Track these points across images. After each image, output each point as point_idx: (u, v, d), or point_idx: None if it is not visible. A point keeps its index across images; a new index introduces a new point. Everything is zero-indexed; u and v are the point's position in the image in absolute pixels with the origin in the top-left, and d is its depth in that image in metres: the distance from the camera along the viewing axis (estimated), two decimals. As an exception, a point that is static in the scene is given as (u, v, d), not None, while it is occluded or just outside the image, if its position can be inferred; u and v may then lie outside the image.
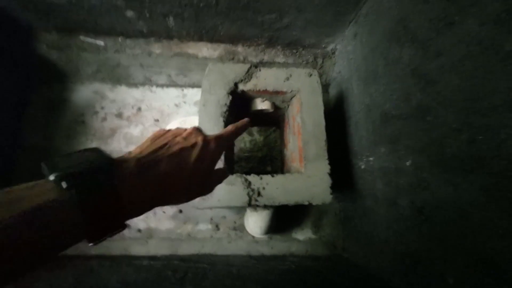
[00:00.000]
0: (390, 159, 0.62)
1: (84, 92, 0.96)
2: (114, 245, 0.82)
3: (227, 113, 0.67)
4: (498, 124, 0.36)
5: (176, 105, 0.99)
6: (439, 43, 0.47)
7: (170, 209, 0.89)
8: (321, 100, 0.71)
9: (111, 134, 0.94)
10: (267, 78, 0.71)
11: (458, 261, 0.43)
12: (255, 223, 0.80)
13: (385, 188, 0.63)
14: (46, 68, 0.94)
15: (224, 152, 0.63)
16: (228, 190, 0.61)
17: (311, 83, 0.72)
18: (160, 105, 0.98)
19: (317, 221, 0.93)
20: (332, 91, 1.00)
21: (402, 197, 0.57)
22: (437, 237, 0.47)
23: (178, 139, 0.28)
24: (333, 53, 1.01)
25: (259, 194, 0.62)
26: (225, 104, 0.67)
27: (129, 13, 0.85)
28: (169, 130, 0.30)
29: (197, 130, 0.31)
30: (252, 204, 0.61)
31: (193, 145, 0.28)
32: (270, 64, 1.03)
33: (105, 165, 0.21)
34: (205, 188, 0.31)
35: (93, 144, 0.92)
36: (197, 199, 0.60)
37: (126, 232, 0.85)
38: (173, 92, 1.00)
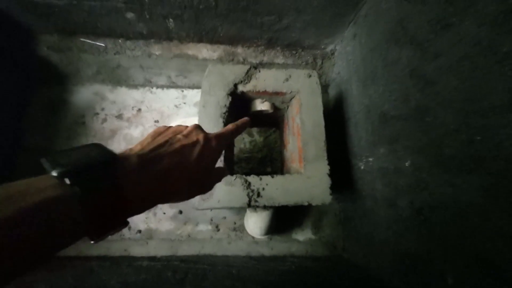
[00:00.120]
0: (389, 159, 0.62)
1: (84, 94, 0.96)
2: (114, 246, 0.82)
3: (226, 114, 0.67)
4: (496, 124, 0.36)
5: (176, 106, 0.99)
6: (438, 44, 0.47)
7: (170, 210, 0.89)
8: (321, 101, 0.71)
9: (111, 135, 0.94)
10: (266, 79, 0.71)
11: (457, 261, 0.43)
12: (255, 223, 0.80)
13: (385, 188, 0.64)
14: (47, 69, 0.94)
15: (223, 152, 0.64)
16: (228, 191, 0.62)
17: (311, 84, 0.72)
18: (160, 106, 0.99)
19: (317, 222, 0.93)
20: (332, 92, 1.00)
21: (402, 198, 0.57)
22: (437, 237, 0.47)
23: (179, 136, 0.28)
24: (333, 54, 1.02)
25: (258, 194, 0.62)
26: (225, 105, 0.68)
27: (129, 15, 0.85)
28: (169, 127, 0.30)
29: (198, 127, 0.31)
30: (252, 204, 0.61)
31: (194, 143, 0.28)
32: (269, 65, 1.03)
33: (108, 161, 0.21)
34: (206, 185, 0.31)
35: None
36: (197, 200, 0.60)
37: (126, 232, 0.85)
38: (173, 93, 1.00)
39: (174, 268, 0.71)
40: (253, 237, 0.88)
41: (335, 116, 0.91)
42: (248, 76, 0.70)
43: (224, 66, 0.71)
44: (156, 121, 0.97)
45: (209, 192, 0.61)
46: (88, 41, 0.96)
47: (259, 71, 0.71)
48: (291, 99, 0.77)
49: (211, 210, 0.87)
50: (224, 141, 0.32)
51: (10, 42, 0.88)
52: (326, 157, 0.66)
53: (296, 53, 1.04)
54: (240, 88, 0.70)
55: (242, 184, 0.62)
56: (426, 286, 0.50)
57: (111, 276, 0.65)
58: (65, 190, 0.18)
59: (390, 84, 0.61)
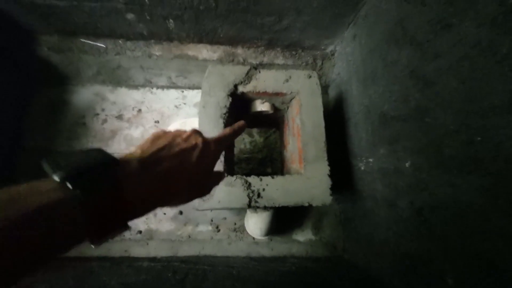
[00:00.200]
0: (389, 160, 0.62)
1: (84, 94, 0.96)
2: (115, 247, 0.82)
3: (227, 114, 0.67)
4: (496, 125, 0.37)
5: (176, 107, 0.99)
6: (437, 45, 0.47)
7: (170, 211, 0.89)
8: (321, 101, 0.71)
9: (111, 136, 0.94)
10: (266, 80, 0.71)
11: (457, 262, 0.43)
12: (255, 224, 0.80)
13: (385, 189, 0.64)
14: (47, 70, 0.95)
15: (224, 153, 0.64)
16: (228, 192, 0.62)
17: (311, 84, 0.72)
18: (160, 106, 0.99)
19: (317, 223, 0.93)
20: (332, 93, 1.00)
21: (402, 198, 0.57)
22: (437, 237, 0.47)
23: (178, 140, 0.29)
24: (333, 54, 1.02)
25: (259, 195, 0.62)
26: (225, 106, 0.68)
27: (130, 16, 0.85)
28: (169, 132, 0.30)
29: (197, 132, 0.32)
30: (252, 205, 0.61)
31: (193, 147, 0.29)
32: (269, 65, 1.03)
33: (110, 165, 0.22)
34: (205, 188, 0.32)
35: (94, 146, 0.92)
36: (197, 201, 0.60)
37: (126, 233, 0.85)
38: (173, 93, 1.01)
39: (175, 269, 0.71)
40: (253, 238, 0.88)
41: (335, 116, 0.91)
42: (248, 77, 0.71)
43: (224, 67, 0.71)
44: (157, 122, 0.97)
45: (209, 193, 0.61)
46: (88, 41, 0.96)
47: (259, 72, 0.71)
48: (291, 100, 0.77)
49: (211, 210, 0.87)
50: (222, 144, 0.33)
51: (10, 42, 0.88)
52: (326, 158, 0.66)
53: (296, 53, 1.04)
54: (240, 88, 0.70)
55: (243, 185, 0.62)
56: (426, 286, 0.50)
57: (112, 277, 0.65)
58: (66, 193, 0.18)
59: (390, 84, 0.61)
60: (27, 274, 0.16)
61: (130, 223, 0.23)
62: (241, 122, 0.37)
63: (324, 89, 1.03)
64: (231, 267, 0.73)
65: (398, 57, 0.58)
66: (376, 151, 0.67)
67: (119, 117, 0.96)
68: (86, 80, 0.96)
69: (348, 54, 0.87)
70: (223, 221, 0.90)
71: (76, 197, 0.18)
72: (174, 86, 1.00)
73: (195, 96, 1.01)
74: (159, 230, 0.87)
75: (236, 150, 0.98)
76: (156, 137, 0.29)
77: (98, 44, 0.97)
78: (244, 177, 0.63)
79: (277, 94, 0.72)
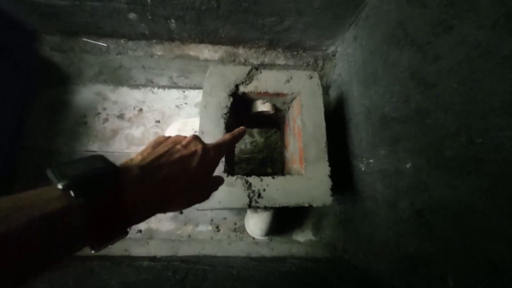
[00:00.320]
0: (389, 161, 0.62)
1: (86, 94, 0.97)
2: (115, 246, 0.82)
3: (228, 114, 0.68)
4: (496, 126, 0.37)
5: (177, 107, 1.00)
6: (438, 47, 0.47)
7: (170, 210, 0.89)
8: (322, 102, 0.71)
9: (112, 135, 0.95)
10: (267, 80, 0.71)
11: (458, 263, 0.43)
12: (256, 224, 0.80)
13: (385, 190, 0.64)
14: (49, 70, 0.95)
15: (224, 154, 0.64)
16: (229, 192, 0.62)
17: (312, 85, 0.72)
18: (162, 106, 0.99)
19: (317, 223, 0.93)
20: (333, 93, 1.01)
21: (402, 199, 0.57)
22: (437, 238, 0.47)
23: (178, 147, 0.29)
24: (334, 55, 1.02)
25: (259, 195, 0.62)
26: (226, 106, 0.68)
27: (132, 16, 0.86)
28: (169, 137, 0.31)
29: (196, 138, 0.32)
30: (252, 205, 0.61)
31: (193, 153, 0.29)
32: (271, 66, 1.04)
33: (111, 173, 0.22)
34: (204, 194, 0.32)
35: (95, 145, 0.92)
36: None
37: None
38: (174, 93, 1.01)
39: (174, 269, 0.71)
40: (253, 238, 0.88)
41: (336, 117, 0.91)
42: (249, 77, 0.71)
43: (225, 67, 0.71)
44: (158, 121, 0.97)
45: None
46: (90, 41, 0.96)
47: (260, 72, 0.71)
48: (292, 100, 0.77)
49: (211, 210, 0.88)
50: (221, 151, 0.33)
51: (12, 42, 0.88)
52: (326, 158, 0.66)
53: (297, 54, 1.05)
54: (241, 89, 0.70)
55: (243, 185, 0.62)
56: (426, 287, 0.50)
57: (112, 276, 0.65)
58: (70, 201, 0.19)
59: (391, 86, 0.61)
60: (30, 279, 0.17)
61: (129, 232, 0.24)
62: (241, 128, 0.38)
63: (325, 89, 1.03)
64: (231, 267, 0.73)
65: (399, 59, 0.59)
66: (377, 152, 0.67)
67: (120, 116, 0.96)
68: (88, 79, 0.97)
69: (349, 55, 0.87)
70: (223, 221, 0.90)
71: (78, 205, 0.19)
72: (175, 86, 1.01)
73: (196, 96, 1.01)
74: (159, 229, 0.87)
75: (236, 150, 0.98)
76: (156, 144, 0.29)
77: (100, 44, 0.97)
78: (245, 177, 0.63)
79: (278, 94, 0.72)
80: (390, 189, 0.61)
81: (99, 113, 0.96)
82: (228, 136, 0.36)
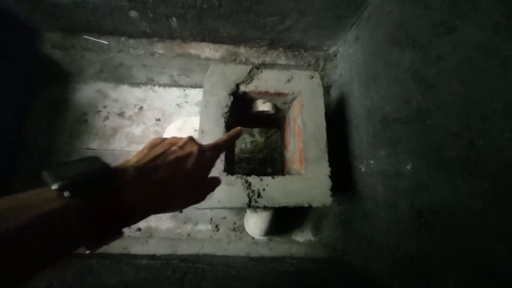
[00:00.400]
0: (390, 162, 0.62)
1: (87, 92, 0.97)
2: (114, 244, 0.82)
3: (228, 114, 0.67)
4: (497, 128, 0.36)
5: (178, 105, 0.99)
6: (440, 47, 0.47)
7: (170, 209, 0.89)
8: (322, 102, 0.71)
9: (113, 133, 0.95)
10: (268, 80, 0.71)
11: (458, 264, 0.43)
12: (255, 224, 0.80)
13: (385, 191, 0.63)
14: (50, 68, 0.95)
15: (224, 153, 0.64)
16: (229, 191, 0.62)
17: (312, 85, 0.72)
18: (162, 105, 0.99)
19: (317, 223, 0.93)
20: (334, 94, 1.00)
21: (402, 200, 0.57)
22: (437, 240, 0.47)
23: (174, 148, 0.29)
24: (335, 55, 1.02)
25: (259, 195, 0.62)
26: (227, 105, 0.68)
27: (133, 13, 0.85)
28: (165, 139, 0.31)
29: (192, 139, 0.32)
30: (252, 205, 0.61)
31: (189, 154, 0.29)
32: (272, 65, 1.03)
33: (107, 174, 0.22)
34: (199, 195, 0.32)
35: (95, 143, 0.92)
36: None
37: (126, 230, 0.85)
38: (175, 92, 1.01)
39: (174, 267, 0.71)
40: (252, 238, 0.88)
41: (336, 118, 0.91)
42: (250, 77, 0.71)
43: (226, 66, 0.71)
44: (158, 120, 0.97)
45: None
46: (92, 38, 0.96)
47: (261, 72, 0.71)
48: (292, 100, 0.77)
49: (211, 209, 0.87)
50: (217, 152, 0.34)
51: (13, 40, 0.88)
52: (327, 159, 0.66)
53: (299, 54, 1.04)
54: (242, 88, 0.70)
55: (243, 184, 0.62)
56: (425, 289, 0.50)
57: (111, 275, 0.65)
58: (65, 202, 0.19)
59: (392, 86, 0.61)
60: (29, 278, 0.17)
61: (124, 233, 0.24)
62: (237, 129, 0.38)
63: (326, 90, 1.03)
64: (230, 266, 0.73)
65: (400, 59, 0.58)
66: (377, 153, 0.67)
67: (121, 114, 0.96)
68: (89, 77, 0.97)
69: (351, 56, 0.87)
70: (222, 220, 0.90)
71: (74, 205, 0.19)
72: (176, 84, 1.00)
73: (196, 95, 1.01)
74: (159, 228, 0.87)
75: (237, 150, 0.98)
76: (153, 145, 0.29)
77: (101, 42, 0.97)
78: (245, 176, 0.63)
79: (278, 94, 0.72)
80: (390, 190, 0.61)
81: (99, 111, 0.96)
82: (224, 137, 0.36)
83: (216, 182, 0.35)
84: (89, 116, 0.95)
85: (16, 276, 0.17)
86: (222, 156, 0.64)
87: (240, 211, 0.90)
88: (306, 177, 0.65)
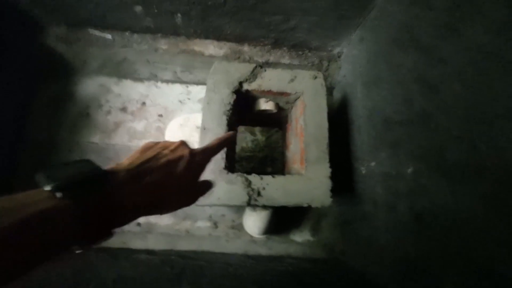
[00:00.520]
0: (391, 164, 0.62)
1: (90, 86, 0.97)
2: (113, 238, 0.82)
3: (230, 111, 0.67)
4: (499, 132, 0.36)
5: (180, 102, 0.99)
6: (443, 50, 0.47)
7: (169, 205, 0.89)
8: (325, 103, 0.71)
9: (114, 128, 0.95)
10: (271, 79, 0.71)
11: (456, 268, 0.43)
12: (254, 223, 0.80)
13: (385, 193, 0.63)
14: (54, 61, 0.95)
15: (225, 150, 0.64)
16: (229, 189, 0.62)
17: (316, 85, 0.72)
18: (164, 101, 0.99)
19: (315, 224, 0.93)
20: (337, 95, 1.00)
21: (402, 202, 0.57)
22: (436, 243, 0.47)
23: (165, 151, 0.30)
24: (339, 56, 1.01)
25: (259, 194, 0.62)
26: (229, 103, 0.68)
27: (137, 8, 0.85)
28: (157, 143, 0.32)
29: (184, 143, 0.33)
30: (251, 203, 0.61)
31: (180, 157, 0.30)
32: (275, 65, 1.03)
33: (99, 176, 0.23)
34: (190, 198, 0.33)
35: (97, 137, 0.93)
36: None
37: (125, 225, 0.85)
38: (178, 88, 1.01)
39: (172, 263, 0.72)
40: (251, 236, 0.88)
41: (338, 119, 0.91)
42: (253, 75, 0.70)
43: (229, 64, 0.71)
44: (160, 115, 0.97)
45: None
46: (95, 33, 0.96)
47: (265, 71, 0.71)
48: (295, 100, 0.77)
49: (210, 207, 0.88)
50: (209, 155, 0.34)
51: (17, 33, 0.88)
52: (328, 160, 0.66)
53: (303, 54, 1.04)
54: (245, 86, 0.70)
55: (243, 183, 0.62)
56: (422, 292, 0.50)
57: (109, 269, 0.65)
58: (58, 202, 0.20)
59: (394, 88, 0.61)
60: (19, 276, 0.18)
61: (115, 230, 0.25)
62: (230, 133, 0.39)
63: (329, 90, 1.03)
64: (228, 264, 0.74)
65: (403, 61, 0.58)
66: (378, 155, 0.67)
67: (123, 109, 0.97)
68: (92, 71, 0.97)
69: (355, 57, 0.86)
70: (221, 218, 0.90)
71: (66, 206, 0.20)
72: (179, 81, 1.00)
73: (199, 92, 1.01)
74: (158, 223, 0.88)
75: (237, 148, 0.98)
76: (145, 149, 0.30)
77: (105, 36, 0.97)
78: (245, 175, 0.63)
79: (281, 93, 0.72)
80: (390, 192, 0.61)
81: (102, 105, 0.96)
82: (216, 141, 0.36)
83: (208, 185, 0.36)
84: (92, 110, 0.95)
85: (8, 273, 0.17)
86: (223, 154, 0.64)
87: (239, 209, 0.90)
88: (307, 177, 0.65)
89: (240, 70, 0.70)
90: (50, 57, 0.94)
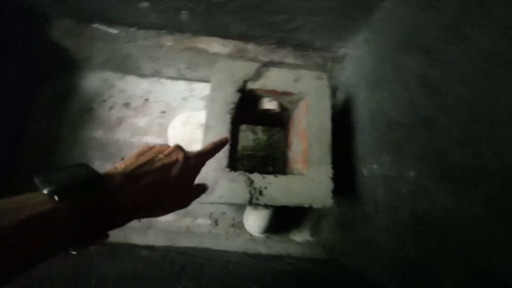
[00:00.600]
0: (393, 166, 0.62)
1: (93, 80, 0.97)
2: (114, 233, 0.82)
3: (234, 110, 0.68)
4: (501, 135, 0.36)
5: (184, 99, 1.00)
6: (449, 53, 0.47)
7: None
8: (329, 104, 0.71)
9: (117, 123, 0.95)
10: (276, 79, 0.71)
11: (455, 271, 0.43)
12: (255, 221, 0.80)
13: (386, 195, 0.64)
14: (59, 55, 0.95)
15: (229, 148, 0.64)
16: (231, 187, 0.62)
17: (320, 86, 0.72)
18: (168, 97, 0.99)
19: (315, 224, 0.93)
20: (340, 96, 1.00)
21: (403, 205, 0.57)
22: (436, 246, 0.47)
23: (160, 156, 0.31)
24: (343, 57, 1.01)
25: (260, 193, 0.62)
26: (233, 101, 0.68)
27: (143, 4, 0.85)
28: (153, 147, 0.32)
29: (179, 148, 0.33)
30: (253, 202, 0.62)
31: (174, 162, 0.31)
32: (279, 64, 1.03)
33: (94, 180, 0.24)
34: (184, 201, 0.33)
35: (100, 132, 0.93)
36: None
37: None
38: (181, 85, 1.01)
39: (172, 260, 0.72)
40: (250, 235, 0.88)
41: (341, 120, 0.91)
42: (257, 74, 0.71)
43: (234, 63, 0.71)
44: (163, 112, 0.97)
45: (211, 187, 0.61)
46: (101, 28, 0.96)
47: (269, 70, 0.71)
48: (299, 100, 0.77)
49: (211, 204, 0.88)
50: (203, 159, 0.35)
51: (22, 26, 0.88)
52: (330, 161, 0.66)
53: (307, 54, 1.04)
54: (249, 85, 0.70)
55: (245, 181, 0.63)
56: (422, 294, 0.50)
57: (110, 265, 0.66)
58: (54, 205, 0.21)
59: (399, 91, 0.61)
60: (15, 275, 0.19)
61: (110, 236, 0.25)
62: (224, 138, 0.40)
63: (332, 91, 1.02)
64: (228, 262, 0.74)
65: (408, 63, 0.58)
66: (380, 157, 0.67)
67: (126, 105, 0.97)
68: (96, 66, 0.97)
69: (359, 58, 0.86)
70: (222, 215, 0.91)
71: (62, 209, 0.21)
72: (182, 77, 1.01)
73: (202, 89, 1.01)
74: (159, 219, 0.88)
75: (239, 147, 0.98)
76: (140, 153, 0.31)
77: (110, 31, 0.97)
78: (247, 173, 0.64)
79: (285, 93, 0.72)
80: (392, 195, 0.61)
81: (105, 101, 0.96)
82: (210, 145, 0.37)
83: (202, 189, 0.36)
84: (95, 105, 0.95)
85: (7, 272, 0.18)
86: (226, 152, 0.64)
87: (239, 208, 0.91)
88: (308, 178, 0.65)
89: (244, 69, 0.71)
90: (55, 50, 0.94)
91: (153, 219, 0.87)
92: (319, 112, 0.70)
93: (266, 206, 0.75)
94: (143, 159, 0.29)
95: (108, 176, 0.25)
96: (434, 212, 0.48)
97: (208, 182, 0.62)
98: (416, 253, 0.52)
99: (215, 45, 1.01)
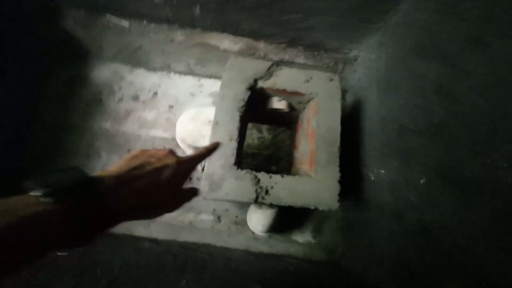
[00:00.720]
0: (402, 173, 0.61)
1: (104, 71, 0.97)
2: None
3: (244, 108, 0.67)
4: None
5: (192, 94, 1.00)
6: (470, 63, 0.46)
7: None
8: (339, 106, 0.70)
9: (125, 115, 0.95)
10: (287, 78, 0.70)
11: (459, 282, 0.43)
12: (258, 220, 0.80)
13: (393, 201, 0.63)
14: (71, 45, 0.95)
15: (236, 147, 0.64)
16: (237, 185, 0.62)
17: (331, 88, 0.71)
18: (176, 92, 0.99)
19: (318, 226, 0.93)
20: (349, 98, 0.99)
21: (410, 213, 0.57)
22: (441, 255, 0.47)
23: (152, 160, 0.31)
24: (355, 60, 1.00)
25: (267, 192, 0.62)
26: (243, 99, 0.68)
27: (157, -2, 0.85)
28: (146, 151, 0.33)
29: (171, 152, 0.34)
30: (258, 201, 0.61)
31: (166, 166, 0.31)
32: (290, 63, 1.02)
33: (85, 183, 0.24)
34: (174, 204, 0.33)
35: (108, 123, 0.93)
36: (206, 188, 0.61)
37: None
38: (190, 80, 1.01)
39: (175, 253, 0.72)
40: (252, 233, 0.88)
41: (350, 122, 0.90)
42: (269, 73, 0.70)
43: (245, 60, 0.71)
44: (171, 106, 0.97)
45: (217, 184, 0.61)
46: (113, 20, 0.96)
47: (281, 69, 0.71)
48: (308, 101, 0.77)
49: (214, 200, 0.88)
50: (194, 164, 0.36)
51: (35, 15, 0.89)
52: (338, 163, 0.66)
53: (318, 54, 1.03)
54: (260, 84, 0.70)
55: (252, 180, 0.62)
56: (424, 303, 0.50)
57: (113, 255, 0.66)
58: (46, 207, 0.21)
59: (413, 97, 0.60)
60: (6, 274, 0.19)
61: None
62: (216, 143, 0.41)
63: (342, 94, 1.02)
64: (229, 259, 0.74)
65: (425, 70, 0.57)
66: (389, 163, 0.66)
67: (135, 98, 0.97)
68: (107, 57, 0.97)
69: (372, 61, 0.85)
70: (225, 212, 0.91)
71: (53, 211, 0.21)
72: (191, 73, 1.00)
73: (211, 85, 1.01)
74: (162, 213, 0.88)
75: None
76: (133, 157, 0.31)
77: (123, 23, 0.97)
78: (254, 172, 0.63)
79: (295, 93, 0.72)
80: (399, 202, 0.61)
81: (114, 92, 0.96)
82: (202, 150, 0.38)
83: (194, 192, 0.36)
84: (104, 96, 0.96)
85: (4, 266, 0.19)
86: (233, 150, 0.64)
87: (243, 205, 0.91)
88: (315, 180, 0.65)
89: (255, 67, 0.70)
90: (67, 40, 0.94)
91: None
92: (329, 113, 0.70)
93: (271, 205, 0.75)
94: (136, 162, 0.30)
95: (100, 179, 0.26)
96: (442, 223, 0.48)
97: (215, 178, 0.62)
98: (420, 263, 0.52)
99: (226, 42, 1.01)
